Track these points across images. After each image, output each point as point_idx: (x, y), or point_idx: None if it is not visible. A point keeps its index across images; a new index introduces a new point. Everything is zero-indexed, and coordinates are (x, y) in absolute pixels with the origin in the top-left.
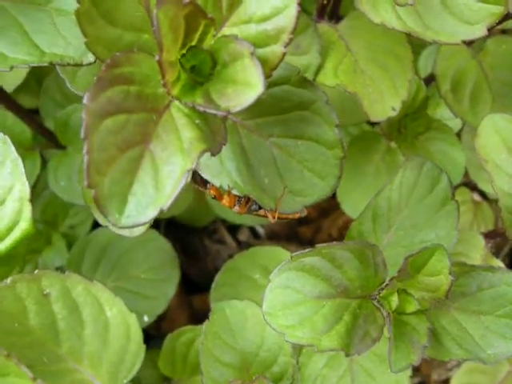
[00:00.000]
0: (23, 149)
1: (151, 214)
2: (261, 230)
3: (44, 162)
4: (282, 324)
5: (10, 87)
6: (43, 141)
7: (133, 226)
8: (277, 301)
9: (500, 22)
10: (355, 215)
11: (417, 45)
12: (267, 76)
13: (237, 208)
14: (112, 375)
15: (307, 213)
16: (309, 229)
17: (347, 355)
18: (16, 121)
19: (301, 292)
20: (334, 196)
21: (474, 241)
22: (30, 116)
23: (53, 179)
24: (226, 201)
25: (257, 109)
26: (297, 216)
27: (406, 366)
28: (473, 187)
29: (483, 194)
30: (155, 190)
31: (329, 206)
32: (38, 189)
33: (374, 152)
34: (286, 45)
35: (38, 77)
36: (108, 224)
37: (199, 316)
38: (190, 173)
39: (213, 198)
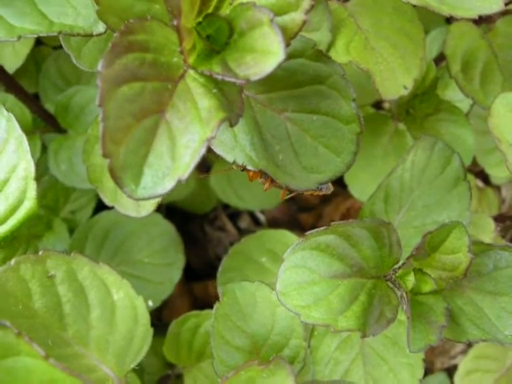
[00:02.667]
0: (23, 132)
1: (169, 185)
2: (262, 217)
3: (43, 147)
4: (296, 304)
5: (9, 69)
6: (43, 125)
7: (149, 198)
8: (291, 281)
9: (511, 1)
10: (363, 198)
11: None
12: (286, 44)
13: (262, 180)
14: (119, 359)
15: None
16: (310, 216)
17: (363, 336)
18: (16, 103)
19: (315, 271)
20: (336, 182)
21: (483, 223)
22: (31, 98)
23: (53, 163)
24: (252, 172)
25: (270, 83)
26: (321, 193)
27: (424, 347)
28: (476, 173)
29: (487, 181)
30: (172, 160)
31: (331, 193)
32: (38, 174)
33: (381, 134)
34: (307, 12)
35: (37, 62)
36: (114, 204)
37: (201, 304)
38: (209, 143)
39: (242, 170)
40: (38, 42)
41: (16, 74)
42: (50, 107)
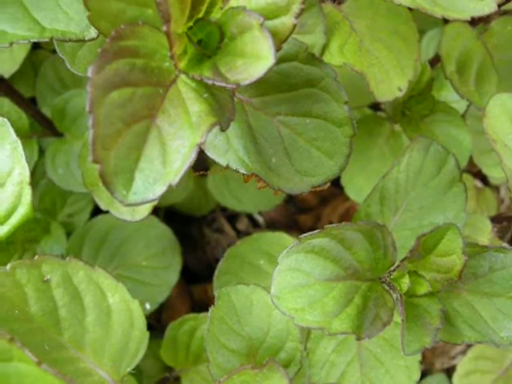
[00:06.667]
0: (20, 137)
1: (159, 190)
2: (260, 219)
3: (41, 151)
4: (290, 307)
5: (6, 74)
6: (40, 129)
7: (141, 203)
8: (285, 283)
9: (505, 2)
10: (360, 200)
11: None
12: (277, 49)
13: (258, 178)
14: (115, 363)
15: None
16: (309, 217)
17: (358, 339)
18: (13, 107)
19: (310, 274)
20: (334, 183)
21: (480, 224)
22: (27, 103)
23: (51, 167)
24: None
25: (263, 86)
26: (319, 189)
27: (418, 349)
28: (475, 174)
29: (485, 181)
30: (163, 165)
31: (329, 194)
32: (35, 177)
33: (377, 136)
34: (297, 16)
35: (34, 65)
36: (109, 208)
37: (200, 306)
38: (199, 147)
39: (236, 171)
40: (36, 45)
41: (13, 77)
42: (47, 111)
